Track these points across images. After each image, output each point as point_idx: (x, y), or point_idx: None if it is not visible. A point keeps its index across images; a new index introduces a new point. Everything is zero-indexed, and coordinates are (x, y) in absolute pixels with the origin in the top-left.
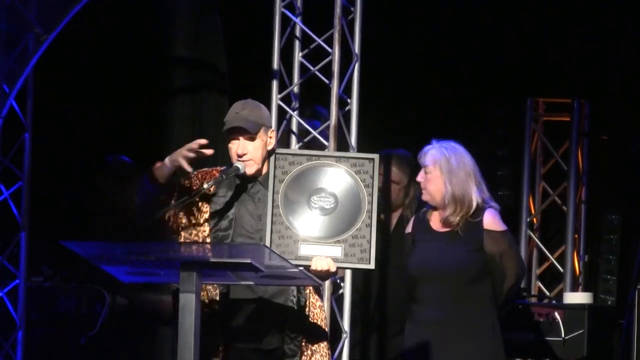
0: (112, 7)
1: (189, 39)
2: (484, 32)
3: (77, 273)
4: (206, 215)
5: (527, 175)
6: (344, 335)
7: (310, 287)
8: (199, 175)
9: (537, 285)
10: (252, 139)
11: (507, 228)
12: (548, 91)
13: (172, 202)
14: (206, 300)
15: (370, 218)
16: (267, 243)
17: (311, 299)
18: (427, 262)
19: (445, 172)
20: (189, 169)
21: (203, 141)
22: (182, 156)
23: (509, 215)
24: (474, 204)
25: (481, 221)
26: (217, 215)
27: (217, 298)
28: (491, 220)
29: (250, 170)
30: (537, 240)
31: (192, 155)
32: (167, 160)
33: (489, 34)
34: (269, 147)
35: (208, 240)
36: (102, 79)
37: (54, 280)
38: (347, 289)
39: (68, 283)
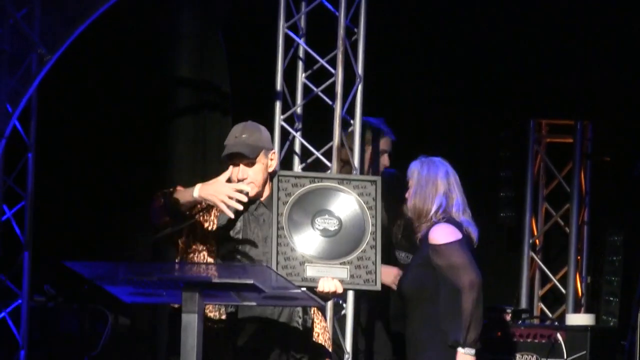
0: (116, 27)
1: (193, 60)
2: (486, 54)
3: (79, 293)
4: (211, 238)
5: (530, 197)
6: (346, 356)
7: (315, 308)
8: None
9: (540, 306)
10: (252, 163)
11: (453, 240)
12: (551, 113)
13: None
14: (213, 319)
15: (375, 240)
16: (273, 265)
17: (316, 320)
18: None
19: (414, 183)
20: (230, 214)
21: (246, 189)
22: (220, 200)
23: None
24: (431, 213)
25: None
26: (222, 238)
27: (224, 317)
28: (433, 234)
29: (250, 192)
30: (539, 261)
31: (231, 201)
32: (198, 191)
33: (492, 55)
34: (270, 169)
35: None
36: (105, 99)
37: (56, 299)
38: (349, 310)
39: (71, 303)
